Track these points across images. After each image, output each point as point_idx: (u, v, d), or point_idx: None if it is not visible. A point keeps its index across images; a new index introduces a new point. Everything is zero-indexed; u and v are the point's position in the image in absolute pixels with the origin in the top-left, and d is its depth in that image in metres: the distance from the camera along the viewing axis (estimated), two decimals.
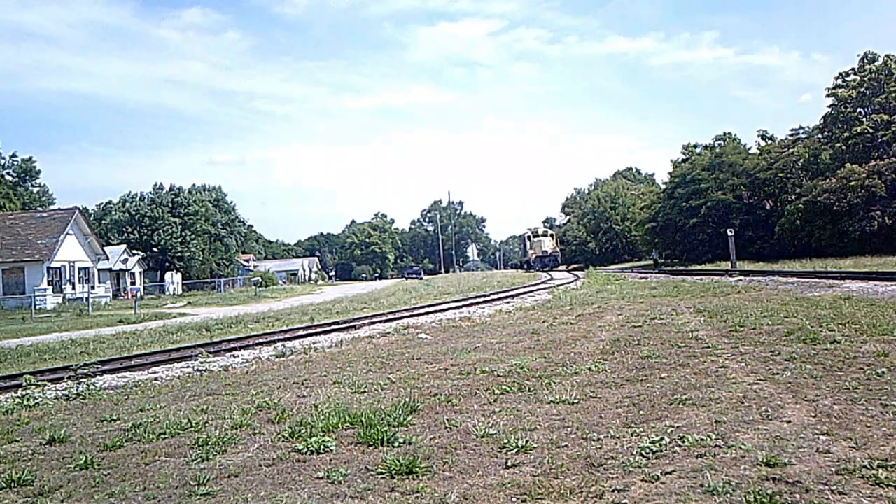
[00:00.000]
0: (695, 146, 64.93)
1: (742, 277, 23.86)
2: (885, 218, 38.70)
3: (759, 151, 55.88)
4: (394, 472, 4.10)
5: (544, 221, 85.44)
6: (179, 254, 65.65)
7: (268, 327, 18.09)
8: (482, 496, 3.67)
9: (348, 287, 57.59)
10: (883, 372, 5.83)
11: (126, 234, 64.24)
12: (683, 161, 61.43)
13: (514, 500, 3.60)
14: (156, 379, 9.96)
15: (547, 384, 6.46)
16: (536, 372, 7.20)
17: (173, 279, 63.92)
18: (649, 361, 7.27)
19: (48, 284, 40.55)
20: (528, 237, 63.67)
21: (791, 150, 50.58)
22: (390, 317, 17.74)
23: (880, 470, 3.55)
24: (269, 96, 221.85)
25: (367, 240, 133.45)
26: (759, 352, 7.32)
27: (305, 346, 12.26)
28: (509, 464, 4.16)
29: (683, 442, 4.27)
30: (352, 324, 16.18)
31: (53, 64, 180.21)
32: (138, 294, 52.47)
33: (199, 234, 69.30)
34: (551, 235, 65.32)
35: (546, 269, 56.88)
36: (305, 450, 4.75)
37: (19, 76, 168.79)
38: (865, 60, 45.94)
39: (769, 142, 56.85)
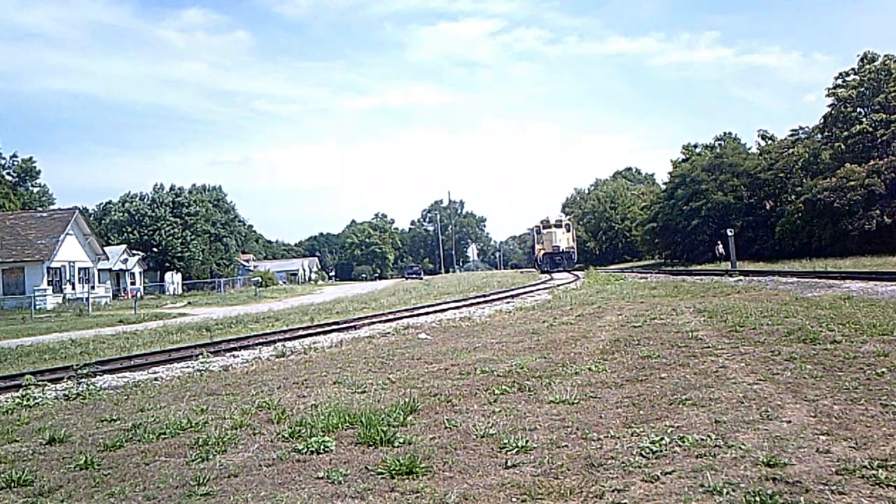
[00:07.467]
0: (695, 146, 65.01)
1: (742, 277, 23.86)
2: (885, 217, 38.70)
3: (759, 152, 55.87)
4: (394, 472, 4.10)
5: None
6: (179, 254, 65.65)
7: (268, 327, 18.08)
8: (482, 496, 3.67)
9: (348, 287, 57.59)
10: (883, 372, 5.83)
11: (126, 234, 64.22)
12: (683, 161, 61.44)
13: (514, 500, 3.60)
14: (156, 379, 9.95)
15: (547, 384, 6.46)
16: (536, 372, 7.20)
17: (173, 279, 63.84)
18: (649, 361, 7.28)
19: (48, 284, 40.55)
20: (538, 229, 53.71)
21: (791, 151, 50.53)
22: (390, 317, 17.73)
23: (880, 470, 3.55)
24: (270, 96, 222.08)
25: (367, 240, 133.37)
26: (759, 352, 7.33)
27: (305, 346, 12.25)
28: (509, 464, 4.16)
29: (683, 442, 4.27)
30: (352, 324, 16.17)
31: (53, 64, 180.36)
32: (138, 294, 52.45)
33: (200, 234, 69.27)
34: (566, 226, 53.29)
35: (558, 269, 47.69)
36: (305, 450, 4.75)
37: (19, 76, 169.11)
38: (865, 60, 45.93)
39: (769, 142, 56.82)
